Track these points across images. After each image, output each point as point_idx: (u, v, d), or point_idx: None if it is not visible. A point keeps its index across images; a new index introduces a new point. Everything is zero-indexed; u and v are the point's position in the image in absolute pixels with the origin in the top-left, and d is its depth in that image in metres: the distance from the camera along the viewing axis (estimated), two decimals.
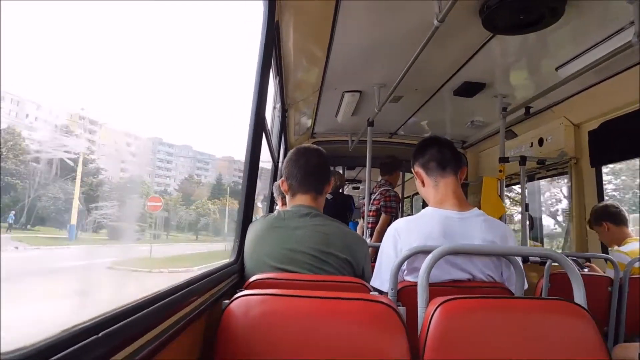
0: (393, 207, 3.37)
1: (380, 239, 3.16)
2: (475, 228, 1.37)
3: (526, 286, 1.36)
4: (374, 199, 3.48)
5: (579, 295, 1.06)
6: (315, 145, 1.68)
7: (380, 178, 3.71)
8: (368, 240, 3.32)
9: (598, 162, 2.95)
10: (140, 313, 0.61)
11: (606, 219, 2.55)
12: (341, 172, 5.43)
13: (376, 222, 3.40)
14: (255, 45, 1.77)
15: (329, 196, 2.06)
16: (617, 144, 2.78)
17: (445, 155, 1.50)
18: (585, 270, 2.58)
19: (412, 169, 1.59)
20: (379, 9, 2.02)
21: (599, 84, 2.67)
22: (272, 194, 3.23)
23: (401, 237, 1.40)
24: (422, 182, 1.54)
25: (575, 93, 2.88)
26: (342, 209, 4.46)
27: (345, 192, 6.03)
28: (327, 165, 1.64)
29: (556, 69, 2.55)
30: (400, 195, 5.08)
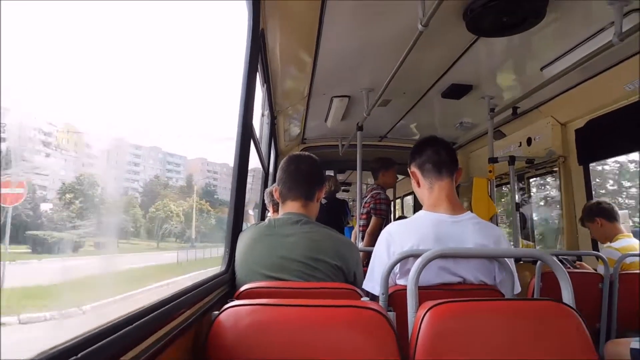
0: (383, 210, 3.38)
1: (371, 241, 3.16)
2: (468, 231, 1.37)
3: (519, 289, 1.36)
4: (365, 202, 3.49)
5: (567, 294, 1.07)
6: (307, 153, 1.68)
7: (370, 181, 3.72)
8: (360, 243, 3.32)
9: (585, 160, 2.98)
10: (123, 330, 0.60)
11: (600, 215, 2.57)
12: (334, 176, 5.43)
13: (367, 225, 3.40)
14: (241, 52, 1.77)
15: (323, 201, 2.06)
16: (604, 142, 2.81)
17: (442, 157, 1.49)
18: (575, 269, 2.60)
19: (408, 169, 1.58)
20: (363, 14, 2.03)
21: (584, 83, 2.70)
22: (263, 201, 3.22)
23: (394, 240, 1.40)
24: (418, 183, 1.54)
25: (561, 92, 2.92)
26: (336, 214, 4.45)
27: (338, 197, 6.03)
28: (319, 171, 1.63)
29: (541, 69, 2.58)
30: (391, 198, 5.08)
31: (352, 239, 3.77)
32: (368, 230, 3.36)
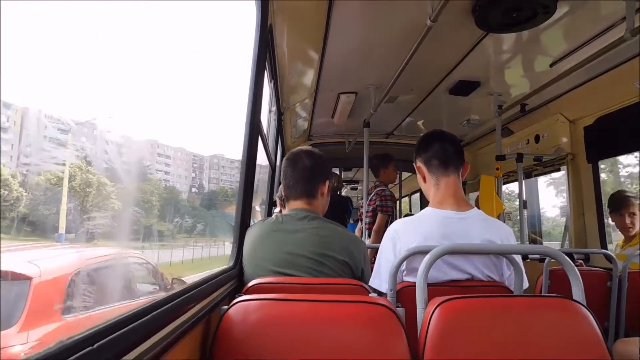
0: (389, 206, 3.37)
1: (377, 238, 3.16)
2: (474, 228, 1.36)
3: (527, 285, 1.36)
4: (370, 200, 3.49)
5: (578, 292, 1.06)
6: (308, 147, 1.65)
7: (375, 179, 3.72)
8: (367, 241, 3.32)
9: (594, 157, 2.96)
10: (136, 322, 0.60)
11: None
12: (338, 173, 5.43)
13: (373, 223, 3.40)
14: (248, 50, 1.77)
15: None
16: (613, 139, 2.78)
17: (449, 152, 1.47)
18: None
19: (414, 164, 1.56)
20: (371, 10, 2.02)
21: (594, 80, 2.68)
22: (269, 197, 3.23)
23: (400, 237, 1.40)
24: (424, 178, 1.52)
25: (570, 89, 2.89)
26: (339, 211, 4.45)
27: (343, 194, 6.03)
28: (320, 166, 1.60)
29: (550, 66, 2.56)
30: (396, 195, 5.07)
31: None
32: (374, 227, 3.36)
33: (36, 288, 2.31)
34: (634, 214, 2.53)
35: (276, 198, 2.69)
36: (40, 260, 2.51)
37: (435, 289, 1.20)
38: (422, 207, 5.57)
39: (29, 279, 2.30)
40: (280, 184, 1.75)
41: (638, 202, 2.53)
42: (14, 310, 2.22)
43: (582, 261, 2.75)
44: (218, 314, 0.98)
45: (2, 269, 2.27)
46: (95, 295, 2.71)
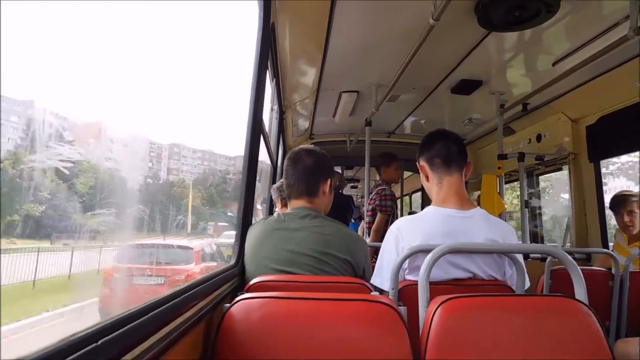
0: (388, 206, 3.37)
1: (377, 238, 3.16)
2: (477, 227, 1.36)
3: (528, 284, 1.36)
4: (371, 199, 3.48)
5: (580, 291, 1.06)
6: (309, 146, 1.65)
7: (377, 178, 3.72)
8: (367, 240, 3.32)
9: (596, 157, 2.95)
10: (140, 320, 0.60)
11: None
12: (340, 172, 5.42)
13: (374, 222, 3.39)
14: (250, 48, 1.76)
15: None
16: (615, 139, 2.77)
17: (452, 151, 1.47)
18: None
19: (417, 163, 1.56)
20: (374, 9, 2.02)
21: (596, 79, 2.67)
22: (271, 196, 3.23)
23: (403, 235, 1.39)
24: (426, 177, 1.52)
25: (573, 88, 2.88)
26: (341, 210, 4.44)
27: (344, 192, 6.02)
28: (320, 164, 1.60)
29: (553, 65, 2.55)
30: (397, 194, 5.07)
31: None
32: (374, 226, 3.35)
33: (195, 252, 6.24)
34: (632, 212, 2.53)
35: (274, 197, 2.67)
36: (190, 242, 6.84)
37: (437, 287, 1.20)
38: (422, 207, 5.57)
39: (191, 248, 6.32)
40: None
41: (636, 200, 2.52)
42: (190, 259, 6.13)
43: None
44: (220, 312, 0.98)
45: (181, 244, 6.70)
46: (208, 256, 6.67)
